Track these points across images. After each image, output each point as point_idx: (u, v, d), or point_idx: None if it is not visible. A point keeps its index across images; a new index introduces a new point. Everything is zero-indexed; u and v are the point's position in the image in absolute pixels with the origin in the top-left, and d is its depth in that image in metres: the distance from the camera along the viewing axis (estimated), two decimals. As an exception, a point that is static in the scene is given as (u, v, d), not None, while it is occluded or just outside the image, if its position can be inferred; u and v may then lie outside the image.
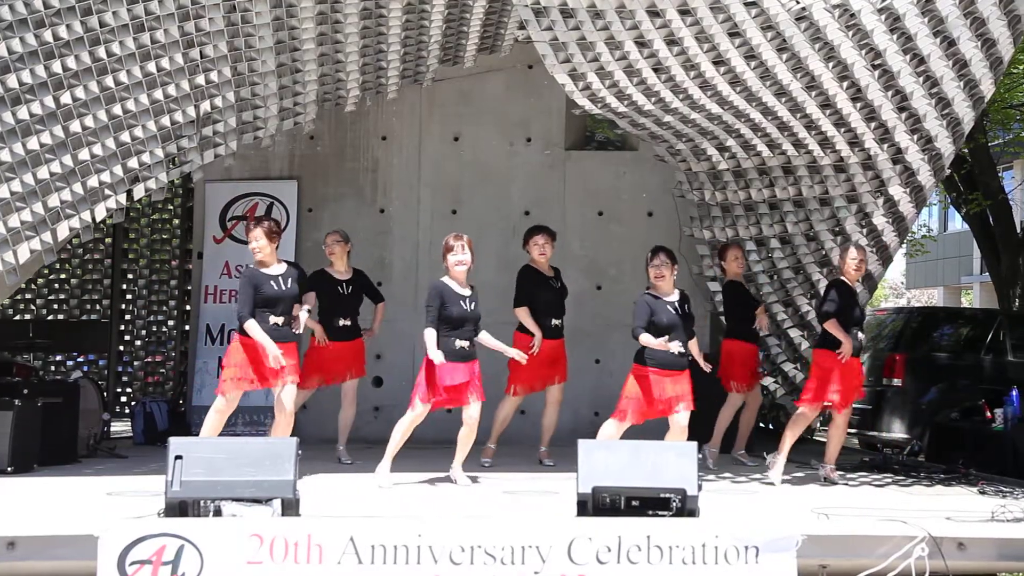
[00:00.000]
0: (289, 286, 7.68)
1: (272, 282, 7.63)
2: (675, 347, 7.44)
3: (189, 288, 11.87)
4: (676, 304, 7.73)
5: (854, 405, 10.01)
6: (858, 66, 7.75)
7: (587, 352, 10.47)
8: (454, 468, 7.84)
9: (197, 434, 9.52)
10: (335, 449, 8.99)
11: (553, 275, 8.92)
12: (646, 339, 7.46)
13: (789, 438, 8.27)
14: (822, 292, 9.23)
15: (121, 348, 13.23)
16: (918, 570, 5.64)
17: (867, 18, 7.48)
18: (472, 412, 7.67)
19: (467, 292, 7.73)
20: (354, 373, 9.00)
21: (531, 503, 7.09)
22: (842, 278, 8.26)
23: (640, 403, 7.62)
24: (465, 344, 7.65)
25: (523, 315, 8.67)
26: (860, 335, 8.22)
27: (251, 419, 10.18)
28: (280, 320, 7.61)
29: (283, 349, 7.52)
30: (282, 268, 7.75)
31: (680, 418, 7.63)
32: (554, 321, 8.77)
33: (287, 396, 7.58)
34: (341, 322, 8.87)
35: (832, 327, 8.05)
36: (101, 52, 7.61)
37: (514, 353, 8.00)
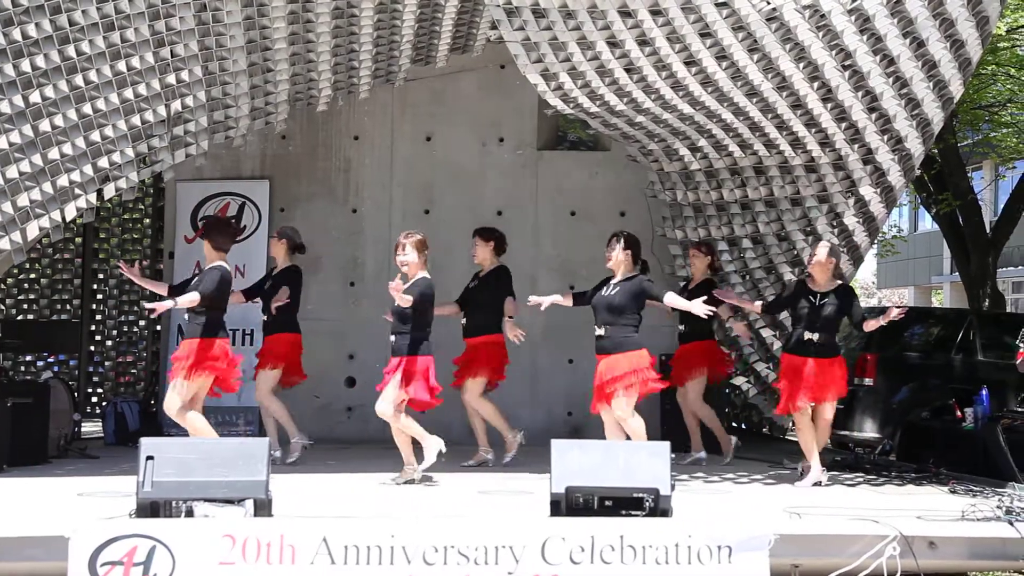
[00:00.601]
0: (191, 284, 7.89)
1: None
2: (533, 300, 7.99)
3: (160, 288, 11.79)
4: (613, 284, 7.81)
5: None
6: (828, 67, 7.79)
7: (560, 352, 10.49)
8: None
9: (168, 435, 9.51)
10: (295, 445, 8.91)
11: (481, 272, 8.94)
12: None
13: (808, 443, 8.18)
14: None
15: (92, 348, 13.13)
16: (890, 569, 5.67)
17: (837, 19, 7.53)
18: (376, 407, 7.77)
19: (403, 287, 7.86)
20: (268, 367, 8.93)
21: (504, 503, 7.09)
22: (803, 277, 8.40)
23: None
24: (391, 338, 7.86)
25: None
26: (808, 335, 8.12)
27: (223, 419, 10.12)
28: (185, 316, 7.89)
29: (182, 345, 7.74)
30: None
31: (614, 404, 7.65)
32: (463, 320, 8.86)
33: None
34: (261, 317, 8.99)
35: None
36: (71, 51, 7.55)
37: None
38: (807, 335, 8.11)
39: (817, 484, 8.02)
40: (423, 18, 8.94)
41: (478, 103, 11.01)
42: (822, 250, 8.21)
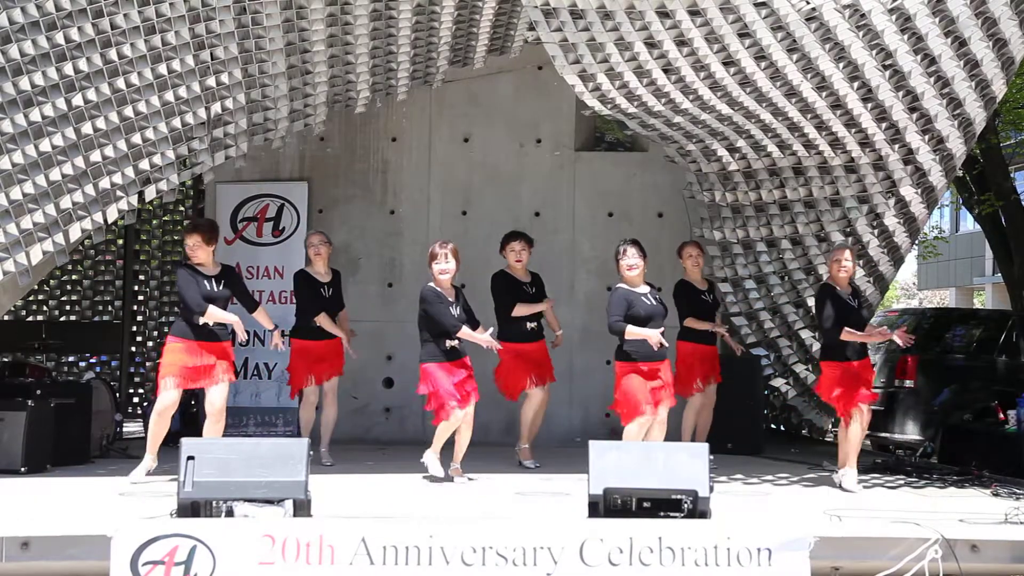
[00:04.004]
0: (222, 288, 7.78)
1: (207, 282, 7.75)
2: (655, 338, 7.57)
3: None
4: (649, 295, 7.82)
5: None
6: (869, 66, 7.74)
7: (598, 353, 10.45)
8: (452, 465, 7.93)
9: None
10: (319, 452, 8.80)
11: (529, 280, 8.89)
12: (633, 330, 7.58)
13: (850, 451, 8.02)
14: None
15: (133, 349, 13.26)
16: (931, 572, 5.62)
17: (878, 18, 7.47)
18: (469, 410, 7.80)
19: (451, 298, 7.91)
20: (332, 372, 8.98)
21: (542, 504, 7.09)
22: (830, 283, 8.05)
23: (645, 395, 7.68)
24: (455, 343, 7.82)
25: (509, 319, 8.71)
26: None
27: (263, 420, 10.19)
28: (210, 321, 7.72)
29: (211, 349, 7.68)
30: (217, 270, 7.85)
31: (660, 411, 7.74)
32: (529, 325, 8.78)
33: (217, 394, 7.70)
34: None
35: (848, 336, 7.82)
36: (112, 54, 7.64)
37: (487, 341, 7.97)
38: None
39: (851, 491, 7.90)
40: (460, 20, 8.96)
41: (515, 104, 11.02)
42: (849, 253, 8.07)
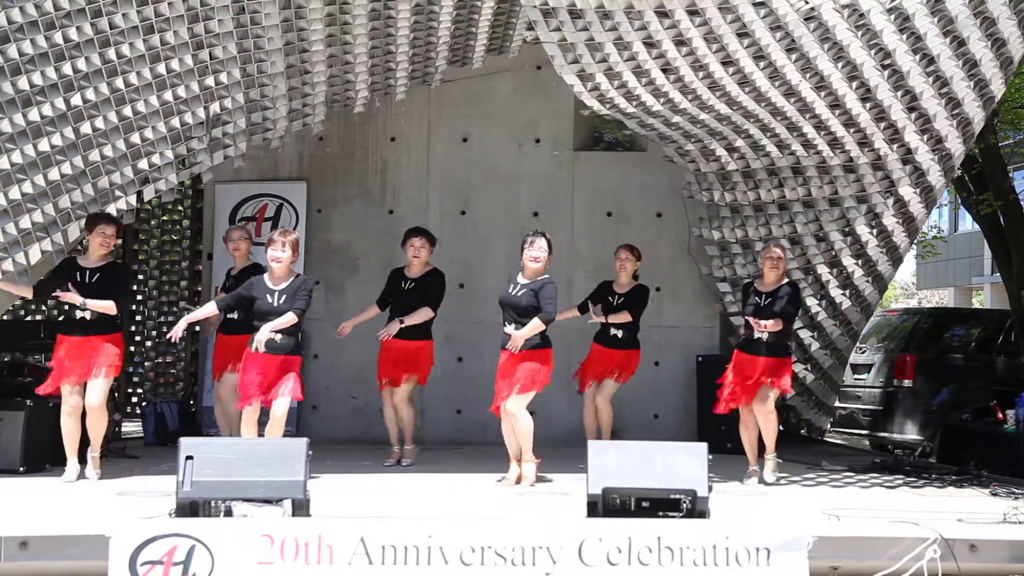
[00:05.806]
0: (94, 280, 7.74)
1: (78, 273, 7.76)
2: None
3: (199, 289, 11.90)
4: (520, 286, 7.85)
5: (866, 407, 9.90)
6: (867, 66, 7.74)
7: (596, 353, 10.45)
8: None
9: (208, 435, 9.58)
10: None
11: (417, 277, 8.79)
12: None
13: (744, 442, 8.38)
14: (832, 293, 9.23)
15: (131, 349, 13.21)
16: (930, 572, 5.62)
17: (876, 18, 7.47)
18: (278, 408, 7.62)
19: (279, 287, 7.62)
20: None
21: (541, 504, 7.09)
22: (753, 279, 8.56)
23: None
24: (276, 338, 7.56)
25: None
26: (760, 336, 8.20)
27: (261, 420, 10.16)
28: (86, 315, 7.76)
29: (88, 341, 7.71)
30: (102, 264, 7.83)
31: (506, 403, 7.82)
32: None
33: (94, 389, 7.68)
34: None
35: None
36: (111, 54, 7.64)
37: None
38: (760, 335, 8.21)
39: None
40: (459, 19, 8.95)
41: (514, 104, 11.02)
42: (779, 253, 8.34)
